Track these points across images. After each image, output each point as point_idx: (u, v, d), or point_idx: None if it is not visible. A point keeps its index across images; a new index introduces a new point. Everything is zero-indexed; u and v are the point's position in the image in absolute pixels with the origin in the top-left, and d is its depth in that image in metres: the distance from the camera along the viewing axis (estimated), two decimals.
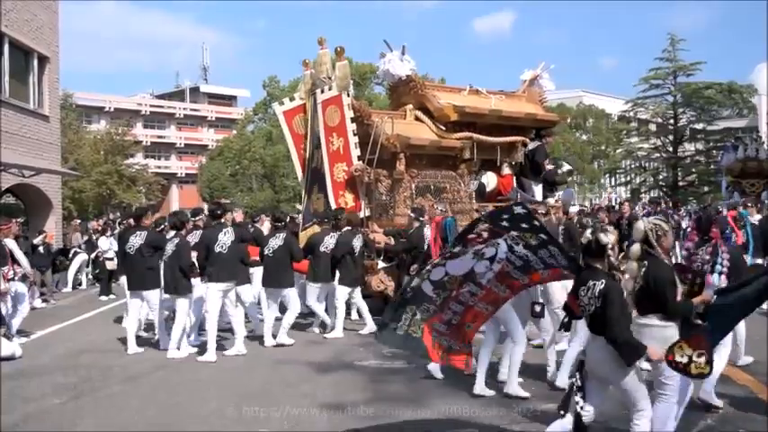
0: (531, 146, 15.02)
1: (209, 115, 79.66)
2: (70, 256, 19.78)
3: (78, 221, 24.92)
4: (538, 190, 15.12)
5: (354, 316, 12.40)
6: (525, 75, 16.01)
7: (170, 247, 10.47)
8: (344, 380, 8.81)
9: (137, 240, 10.64)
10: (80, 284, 20.20)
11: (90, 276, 20.63)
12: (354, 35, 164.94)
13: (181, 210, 12.85)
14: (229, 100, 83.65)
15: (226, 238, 10.09)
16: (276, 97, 52.76)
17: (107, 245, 18.98)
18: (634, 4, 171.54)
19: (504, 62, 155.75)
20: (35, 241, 16.94)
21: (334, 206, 13.03)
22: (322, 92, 13.39)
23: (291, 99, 14.80)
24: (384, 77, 15.00)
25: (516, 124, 14.86)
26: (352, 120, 13.22)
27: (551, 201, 14.94)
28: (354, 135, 13.15)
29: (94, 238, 20.19)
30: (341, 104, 13.19)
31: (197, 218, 12.12)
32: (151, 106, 76.82)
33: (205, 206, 18.72)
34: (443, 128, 13.89)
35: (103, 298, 17.65)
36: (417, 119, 14.03)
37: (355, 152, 13.13)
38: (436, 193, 13.46)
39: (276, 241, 10.94)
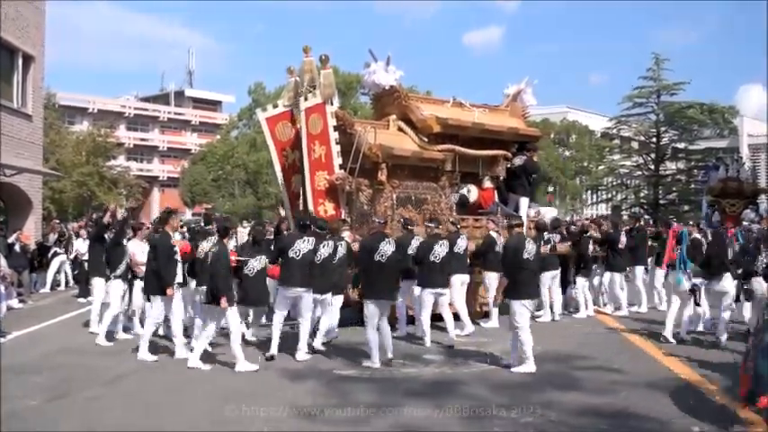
0: (517, 160, 15.03)
1: (194, 119, 79.42)
2: (49, 256, 19.59)
3: (57, 221, 24.72)
4: (524, 203, 15.14)
5: None
6: (509, 89, 16.05)
7: (212, 252, 10.15)
8: (322, 386, 8.78)
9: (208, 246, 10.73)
10: (58, 285, 20.01)
11: (70, 278, 20.42)
12: (343, 46, 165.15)
13: (227, 216, 12.77)
14: (214, 105, 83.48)
15: (304, 246, 10.39)
16: (261, 104, 52.76)
17: (84, 247, 18.86)
18: (623, 23, 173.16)
19: (492, 76, 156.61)
20: (9, 240, 16.80)
21: (312, 214, 12.95)
22: (306, 99, 13.36)
23: (275, 106, 14.68)
24: (368, 87, 14.92)
25: (498, 138, 14.87)
26: (335, 128, 13.20)
27: (532, 213, 15.06)
28: (337, 144, 13.14)
29: (72, 238, 20.00)
30: (324, 113, 13.16)
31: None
32: (135, 109, 76.53)
33: (188, 211, 18.54)
34: (426, 139, 13.89)
35: (82, 300, 17.50)
36: (400, 129, 14.02)
37: (337, 161, 13.10)
38: (417, 204, 13.46)
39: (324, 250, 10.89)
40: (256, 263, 10.69)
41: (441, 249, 11.48)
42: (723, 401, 8.12)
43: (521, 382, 9.05)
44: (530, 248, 9.78)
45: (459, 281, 12.44)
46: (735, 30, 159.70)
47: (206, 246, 10.41)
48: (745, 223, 17.81)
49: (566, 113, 68.80)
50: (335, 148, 13.15)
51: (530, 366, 9.50)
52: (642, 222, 18.37)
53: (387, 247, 9.98)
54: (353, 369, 9.71)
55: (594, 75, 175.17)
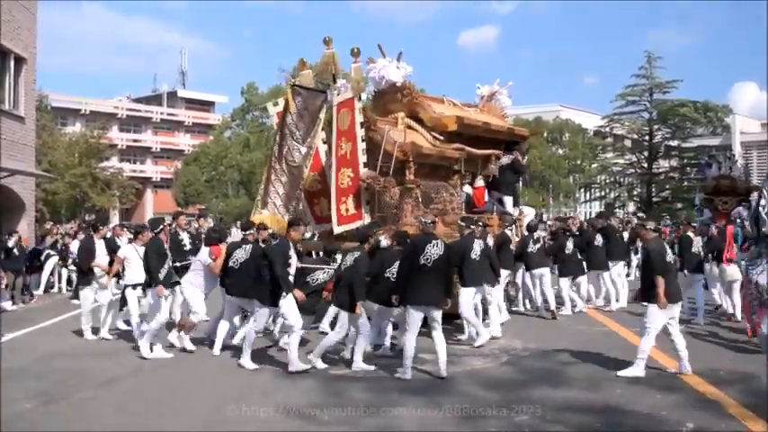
0: (505, 159, 15.04)
1: (187, 120, 79.26)
2: (42, 258, 19.54)
3: (52, 224, 24.68)
4: (509, 201, 15.20)
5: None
6: (482, 90, 15.95)
7: (243, 254, 10.80)
8: (317, 387, 8.76)
9: (242, 254, 10.86)
10: (52, 287, 19.96)
11: (64, 281, 20.36)
12: (339, 45, 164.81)
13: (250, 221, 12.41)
14: (207, 106, 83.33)
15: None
16: (255, 104, 52.82)
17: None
18: (616, 22, 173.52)
19: (487, 75, 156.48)
20: (10, 244, 16.81)
21: (335, 212, 12.79)
22: (338, 93, 13.00)
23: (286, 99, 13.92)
24: (374, 83, 14.35)
25: (496, 137, 14.88)
26: (362, 125, 12.70)
27: (516, 213, 15.16)
28: (363, 141, 12.60)
29: (66, 240, 19.96)
30: (353, 108, 12.64)
31: (248, 231, 11.58)
32: (128, 110, 76.32)
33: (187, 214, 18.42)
34: (441, 138, 13.68)
35: (76, 302, 17.43)
36: (410, 127, 13.66)
37: (362, 158, 12.57)
38: (426, 202, 13.14)
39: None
40: (323, 275, 10.40)
41: (478, 248, 11.37)
42: (716, 397, 8.16)
43: (515, 380, 9.08)
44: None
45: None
46: (728, 28, 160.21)
47: (240, 253, 10.72)
48: (739, 220, 17.93)
49: (558, 112, 68.91)
50: (361, 146, 12.58)
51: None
52: (614, 222, 18.58)
53: (433, 250, 9.22)
54: (348, 369, 9.70)
55: (587, 74, 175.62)
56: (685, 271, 13.65)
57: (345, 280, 9.60)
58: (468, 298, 11.19)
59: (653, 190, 53.43)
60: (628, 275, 17.19)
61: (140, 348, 10.55)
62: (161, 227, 11.22)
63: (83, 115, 69.21)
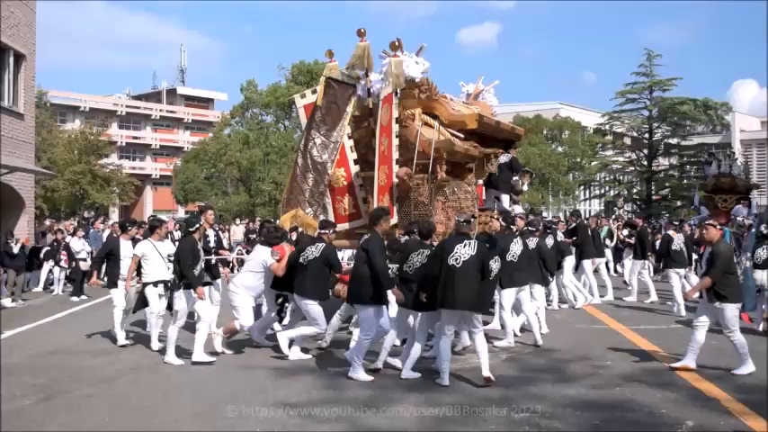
0: (503, 158, 14.97)
1: (186, 117, 79.26)
2: (41, 255, 19.54)
3: (53, 221, 24.68)
4: (506, 199, 15.16)
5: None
6: (467, 87, 15.76)
7: (314, 253, 10.13)
8: (316, 385, 8.78)
9: (313, 252, 10.20)
10: (51, 284, 19.95)
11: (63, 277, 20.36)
12: (339, 42, 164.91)
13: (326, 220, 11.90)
14: (206, 103, 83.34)
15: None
16: (254, 101, 52.72)
17: (79, 246, 18.84)
18: (617, 20, 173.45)
19: (486, 73, 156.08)
20: (14, 251, 16.90)
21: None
22: (369, 87, 12.65)
23: (313, 92, 13.51)
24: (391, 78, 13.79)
25: (498, 136, 14.78)
26: (396, 121, 12.26)
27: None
28: (396, 137, 12.15)
29: (58, 237, 19.94)
30: (392, 104, 12.18)
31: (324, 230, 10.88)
32: (127, 107, 76.31)
33: (180, 209, 18.26)
34: (461, 135, 13.19)
35: (75, 299, 17.48)
36: (426, 124, 13.38)
37: (395, 155, 12.12)
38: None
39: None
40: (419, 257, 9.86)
41: (516, 248, 11.12)
42: (715, 395, 8.16)
43: (514, 378, 9.08)
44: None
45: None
46: (728, 25, 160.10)
47: (313, 251, 10.15)
48: (739, 218, 17.98)
49: (558, 109, 68.84)
50: (395, 142, 12.13)
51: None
52: (589, 220, 19.15)
53: (463, 250, 8.77)
54: (347, 366, 9.68)
55: (587, 71, 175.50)
56: (663, 266, 15.36)
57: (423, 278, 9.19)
58: (507, 299, 11.15)
59: (652, 188, 53.43)
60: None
61: (167, 357, 10.06)
62: (197, 226, 10.57)
63: (82, 112, 69.22)
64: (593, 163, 59.80)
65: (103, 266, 12.73)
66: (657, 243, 16.18)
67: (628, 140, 59.00)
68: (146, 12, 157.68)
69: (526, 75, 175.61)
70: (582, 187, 63.81)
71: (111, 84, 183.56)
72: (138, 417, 7.49)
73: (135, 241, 12.23)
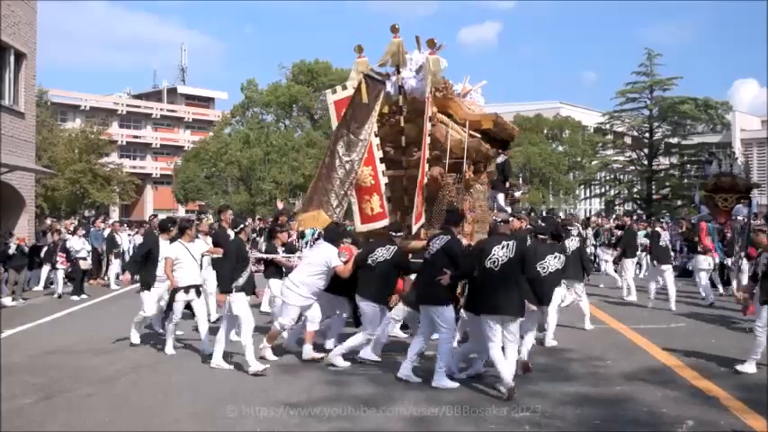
0: (500, 158, 14.94)
1: (186, 116, 79.31)
2: (42, 254, 19.54)
3: (53, 220, 24.69)
4: (501, 198, 15.15)
5: None
6: (455, 87, 15.63)
7: (385, 255, 9.82)
8: (317, 383, 8.77)
9: (383, 254, 9.87)
10: (52, 283, 19.95)
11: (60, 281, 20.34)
12: (339, 41, 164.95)
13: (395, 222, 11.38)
14: (207, 102, 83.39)
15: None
16: (254, 101, 52.76)
17: (80, 245, 18.83)
18: (617, 19, 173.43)
19: (488, 72, 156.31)
20: (10, 251, 16.87)
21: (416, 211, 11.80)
22: (400, 84, 12.29)
23: (344, 88, 13.07)
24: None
25: (498, 136, 14.73)
26: (429, 119, 12.03)
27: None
28: (428, 136, 11.92)
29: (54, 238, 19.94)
30: (429, 103, 11.94)
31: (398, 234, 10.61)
32: (128, 106, 76.35)
33: (180, 208, 18.25)
34: (478, 135, 12.91)
35: (75, 298, 17.48)
36: (441, 122, 12.86)
37: (427, 154, 11.83)
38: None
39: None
40: (555, 260, 9.85)
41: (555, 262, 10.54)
42: (714, 393, 8.17)
43: (514, 376, 9.05)
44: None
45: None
46: (729, 25, 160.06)
47: (383, 253, 9.82)
48: (739, 218, 18.06)
49: (559, 109, 68.82)
50: (427, 141, 11.85)
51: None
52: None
53: (501, 252, 8.33)
54: (348, 364, 9.70)
55: (588, 71, 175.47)
56: (654, 262, 16.09)
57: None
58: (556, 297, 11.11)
59: (653, 187, 53.39)
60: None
61: (213, 359, 9.68)
62: (242, 226, 10.11)
63: (82, 111, 69.26)
64: (593, 162, 59.77)
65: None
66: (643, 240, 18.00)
67: (628, 140, 58.96)
68: (146, 11, 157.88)
69: (526, 74, 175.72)
70: (582, 187, 63.80)
71: (111, 83, 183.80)
72: (138, 416, 7.49)
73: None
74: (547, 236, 10.76)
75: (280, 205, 16.03)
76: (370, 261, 9.83)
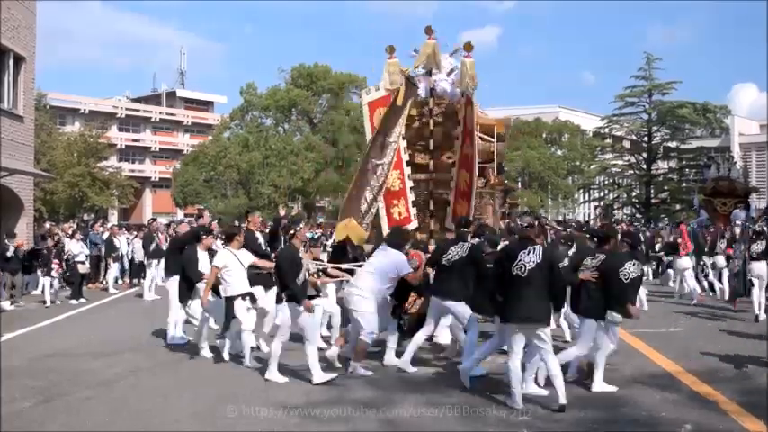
0: None
1: (185, 120, 79.25)
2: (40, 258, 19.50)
3: (53, 224, 24.67)
4: None
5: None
6: None
7: (460, 252, 9.38)
8: (317, 386, 8.72)
9: (458, 252, 9.43)
10: (51, 287, 19.91)
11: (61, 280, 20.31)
12: (338, 45, 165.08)
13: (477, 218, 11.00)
14: (206, 105, 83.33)
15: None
16: (254, 104, 52.79)
17: (78, 248, 18.82)
18: (616, 23, 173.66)
19: (488, 75, 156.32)
20: (8, 253, 16.84)
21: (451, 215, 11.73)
22: (432, 87, 12.27)
23: (377, 88, 12.73)
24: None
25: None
26: (464, 122, 11.77)
27: None
28: (471, 143, 11.58)
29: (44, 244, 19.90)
30: (475, 106, 11.81)
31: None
32: (127, 109, 76.30)
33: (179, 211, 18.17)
34: (491, 139, 13.06)
35: (74, 302, 17.47)
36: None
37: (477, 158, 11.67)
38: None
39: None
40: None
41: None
42: (713, 397, 8.18)
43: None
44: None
45: None
46: (728, 28, 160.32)
47: (457, 250, 9.38)
48: (738, 221, 18.13)
49: (558, 113, 68.91)
50: (477, 144, 11.68)
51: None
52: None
53: (528, 258, 7.94)
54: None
55: (587, 74, 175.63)
56: None
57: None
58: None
59: (652, 191, 53.48)
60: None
61: (269, 373, 9.09)
62: (293, 231, 9.67)
63: (81, 115, 69.18)
64: (592, 166, 59.87)
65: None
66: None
67: (627, 144, 59.04)
68: (144, 13, 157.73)
69: (526, 77, 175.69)
70: (581, 190, 63.90)
71: (110, 86, 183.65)
72: (138, 418, 7.49)
73: (211, 251, 11.33)
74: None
75: (282, 212, 15.74)
76: (444, 261, 9.45)
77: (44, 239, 20.24)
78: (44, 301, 17.33)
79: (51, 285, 17.56)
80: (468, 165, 11.52)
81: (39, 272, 18.95)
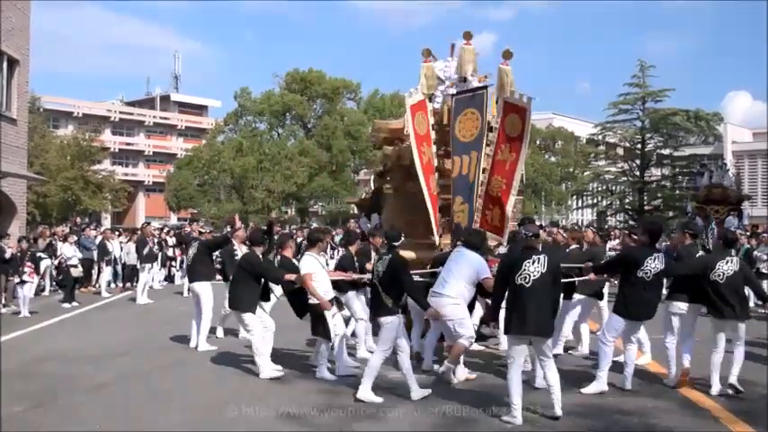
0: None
1: (179, 124, 79.19)
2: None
3: (45, 226, 24.62)
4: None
5: None
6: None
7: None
8: (312, 392, 8.75)
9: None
10: (43, 290, 19.86)
11: (54, 283, 20.25)
12: (335, 51, 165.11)
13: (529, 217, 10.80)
14: (200, 109, 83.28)
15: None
16: (248, 108, 52.81)
17: (71, 251, 18.76)
18: (610, 31, 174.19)
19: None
20: (6, 255, 16.73)
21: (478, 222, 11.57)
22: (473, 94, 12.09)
23: (416, 91, 12.31)
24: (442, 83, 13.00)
25: None
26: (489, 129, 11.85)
27: None
28: (513, 149, 11.58)
29: (56, 244, 19.86)
30: (522, 113, 11.48)
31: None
32: (120, 113, 76.17)
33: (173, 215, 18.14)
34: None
35: (66, 305, 17.38)
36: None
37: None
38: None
39: None
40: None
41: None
42: (706, 404, 8.21)
43: (507, 386, 9.03)
44: None
45: None
46: (722, 37, 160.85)
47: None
48: (733, 228, 18.15)
49: (551, 120, 69.05)
50: (525, 149, 11.65)
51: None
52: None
53: (532, 268, 7.67)
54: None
55: (581, 82, 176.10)
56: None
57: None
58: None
59: (645, 198, 53.54)
60: None
61: (362, 391, 8.41)
62: (353, 238, 9.63)
63: (75, 118, 69.04)
64: (585, 173, 59.93)
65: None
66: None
67: (620, 151, 59.08)
68: (138, 17, 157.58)
69: (520, 84, 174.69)
70: (574, 197, 63.95)
71: (104, 90, 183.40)
72: (131, 423, 7.48)
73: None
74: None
75: (273, 214, 15.68)
76: None
77: (36, 242, 20.19)
78: (17, 312, 16.02)
79: (42, 287, 17.22)
80: (505, 171, 11.55)
81: (40, 265, 18.18)
